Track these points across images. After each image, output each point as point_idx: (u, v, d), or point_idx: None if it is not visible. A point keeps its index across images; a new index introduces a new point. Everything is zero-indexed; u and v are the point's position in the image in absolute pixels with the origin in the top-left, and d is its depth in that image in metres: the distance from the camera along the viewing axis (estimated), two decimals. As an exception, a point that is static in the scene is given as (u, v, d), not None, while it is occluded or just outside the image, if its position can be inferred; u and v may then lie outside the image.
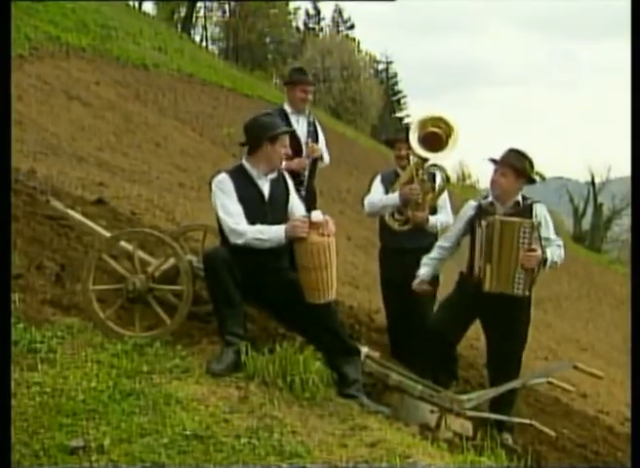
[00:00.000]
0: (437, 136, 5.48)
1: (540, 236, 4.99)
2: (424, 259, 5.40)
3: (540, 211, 5.21)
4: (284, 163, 5.86)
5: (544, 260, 5.01)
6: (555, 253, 5.11)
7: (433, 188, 5.66)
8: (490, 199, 5.24)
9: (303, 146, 6.03)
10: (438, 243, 5.45)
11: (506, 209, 5.16)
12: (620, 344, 14.10)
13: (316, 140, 6.16)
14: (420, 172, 5.58)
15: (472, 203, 5.36)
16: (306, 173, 6.08)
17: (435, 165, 5.66)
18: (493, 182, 5.22)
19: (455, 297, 5.34)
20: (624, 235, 44.25)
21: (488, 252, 5.02)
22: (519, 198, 5.20)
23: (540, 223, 5.02)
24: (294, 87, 6.15)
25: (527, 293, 5.03)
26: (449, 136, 5.47)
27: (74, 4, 23.31)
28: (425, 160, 5.55)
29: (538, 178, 5.39)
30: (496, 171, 5.18)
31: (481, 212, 5.20)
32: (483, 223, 5.06)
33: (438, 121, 5.52)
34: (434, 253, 5.40)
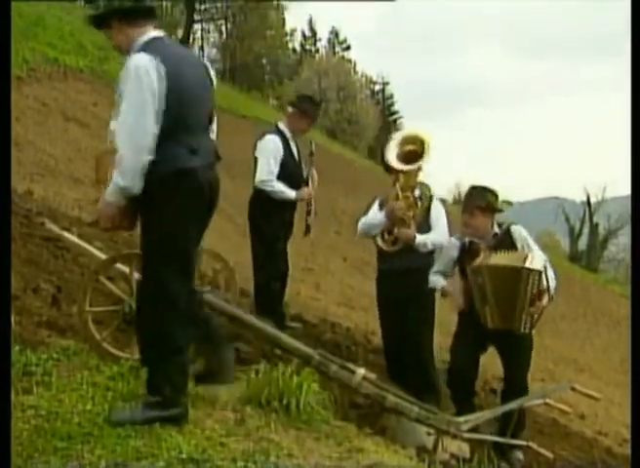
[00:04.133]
0: (415, 153, 5.56)
1: (547, 279, 5.05)
2: (431, 275, 5.50)
3: (519, 233, 5.32)
4: (295, 193, 6.01)
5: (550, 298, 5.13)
6: (550, 276, 5.16)
7: (416, 204, 5.66)
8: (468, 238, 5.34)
9: (304, 174, 6.15)
10: (435, 267, 5.55)
11: (487, 242, 5.24)
12: (618, 365, 14.05)
13: (310, 166, 6.27)
14: (407, 190, 5.61)
15: (455, 241, 5.47)
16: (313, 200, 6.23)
17: (422, 183, 5.74)
18: (464, 226, 5.34)
19: (463, 338, 5.41)
20: (621, 255, 44.32)
21: (482, 295, 5.10)
22: (496, 229, 5.30)
23: (544, 269, 5.06)
24: (302, 116, 6.20)
25: (532, 330, 5.19)
26: (423, 149, 5.54)
27: (72, 26, 23.43)
28: (411, 176, 5.59)
29: (505, 206, 5.49)
30: (463, 213, 5.28)
31: (464, 251, 5.30)
32: (468, 269, 5.13)
33: (412, 139, 5.62)
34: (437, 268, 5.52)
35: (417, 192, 5.67)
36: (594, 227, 43.22)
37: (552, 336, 13.63)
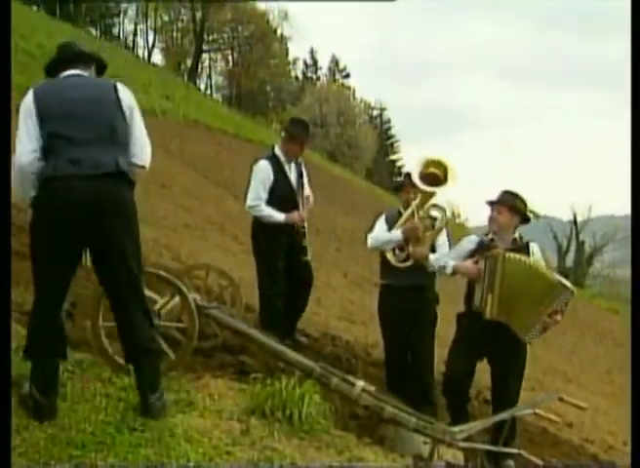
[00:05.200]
0: (436, 176, 5.56)
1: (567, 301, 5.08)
2: (442, 258, 5.47)
3: (537, 249, 5.36)
4: (284, 216, 5.95)
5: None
6: None
7: (433, 226, 5.69)
8: (490, 236, 5.34)
9: (298, 197, 6.09)
10: (447, 253, 5.56)
11: (507, 244, 5.26)
12: (603, 375, 14.02)
13: (303, 189, 6.21)
14: (422, 210, 5.62)
15: (473, 238, 5.46)
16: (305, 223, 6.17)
17: (436, 205, 5.73)
18: (490, 219, 5.38)
19: (459, 344, 5.36)
20: (605, 271, 44.36)
21: (490, 282, 5.08)
22: (517, 236, 5.32)
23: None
24: (292, 140, 6.12)
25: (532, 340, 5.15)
26: (446, 174, 5.55)
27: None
28: (429, 197, 5.61)
29: (532, 216, 5.51)
30: (492, 209, 5.32)
31: (482, 246, 5.28)
32: (485, 255, 5.15)
33: (436, 163, 5.60)
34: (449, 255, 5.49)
35: (433, 213, 5.69)
36: (580, 245, 43.23)
37: (542, 348, 13.62)
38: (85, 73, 4.00)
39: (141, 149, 3.92)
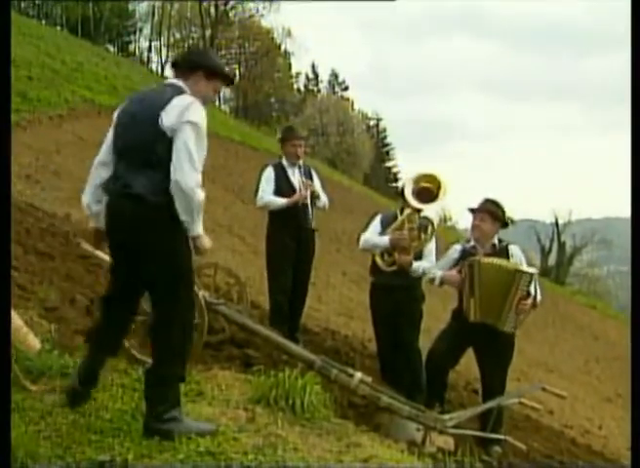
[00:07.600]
0: (429, 190, 5.47)
1: (535, 285, 5.06)
2: (431, 270, 5.45)
3: (516, 251, 5.33)
4: (284, 200, 5.96)
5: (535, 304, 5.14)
6: (537, 287, 5.18)
7: (419, 237, 5.62)
8: (472, 243, 5.33)
9: (297, 190, 6.09)
10: (436, 264, 5.55)
11: (486, 250, 5.24)
12: (582, 366, 14.01)
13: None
14: (411, 221, 5.57)
15: (457, 247, 5.46)
16: (308, 201, 6.16)
17: (426, 217, 5.66)
18: (474, 227, 5.33)
19: (449, 330, 5.38)
20: (585, 270, 44.43)
21: (471, 288, 5.09)
22: (496, 241, 5.29)
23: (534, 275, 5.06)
24: (285, 143, 6.24)
25: (515, 331, 5.14)
26: (439, 189, 5.45)
27: (107, 71, 23.64)
28: (419, 211, 5.54)
29: (510, 222, 5.49)
30: (475, 217, 5.27)
31: (465, 254, 5.27)
32: (465, 263, 5.13)
33: (429, 178, 5.53)
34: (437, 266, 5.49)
35: (422, 224, 5.60)
36: (562, 246, 43.23)
37: (526, 341, 13.62)
38: (176, 82, 3.52)
39: (174, 172, 3.24)
